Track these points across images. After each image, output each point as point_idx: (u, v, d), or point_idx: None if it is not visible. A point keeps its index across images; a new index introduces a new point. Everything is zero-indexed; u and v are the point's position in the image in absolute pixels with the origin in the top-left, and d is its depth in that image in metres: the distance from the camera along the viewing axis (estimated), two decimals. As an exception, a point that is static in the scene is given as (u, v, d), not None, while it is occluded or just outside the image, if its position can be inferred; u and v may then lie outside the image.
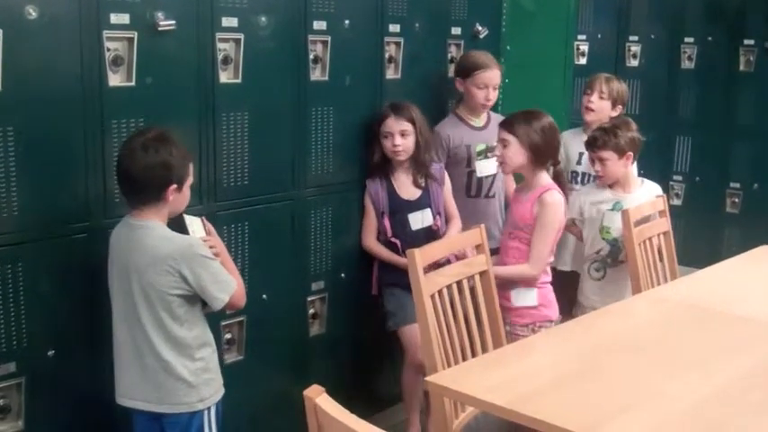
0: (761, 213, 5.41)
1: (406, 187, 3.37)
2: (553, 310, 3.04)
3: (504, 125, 3.04)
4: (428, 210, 3.37)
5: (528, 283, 3.00)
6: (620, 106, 3.72)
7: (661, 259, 3.41)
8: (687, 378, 2.22)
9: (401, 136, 3.29)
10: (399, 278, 3.29)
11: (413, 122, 3.31)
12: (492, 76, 3.56)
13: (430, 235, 3.28)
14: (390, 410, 3.56)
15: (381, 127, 3.31)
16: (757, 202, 5.51)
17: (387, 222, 3.34)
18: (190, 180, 2.47)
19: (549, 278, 3.07)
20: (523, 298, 3.01)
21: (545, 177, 3.03)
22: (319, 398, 1.47)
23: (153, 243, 2.36)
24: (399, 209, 3.35)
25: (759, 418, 2.01)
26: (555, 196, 2.97)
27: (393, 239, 3.34)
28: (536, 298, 3.00)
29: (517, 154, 3.00)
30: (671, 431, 1.92)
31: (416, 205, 3.36)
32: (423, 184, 3.36)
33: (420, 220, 3.36)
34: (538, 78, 4.18)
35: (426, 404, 3.38)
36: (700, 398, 2.10)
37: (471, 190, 3.63)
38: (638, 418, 1.97)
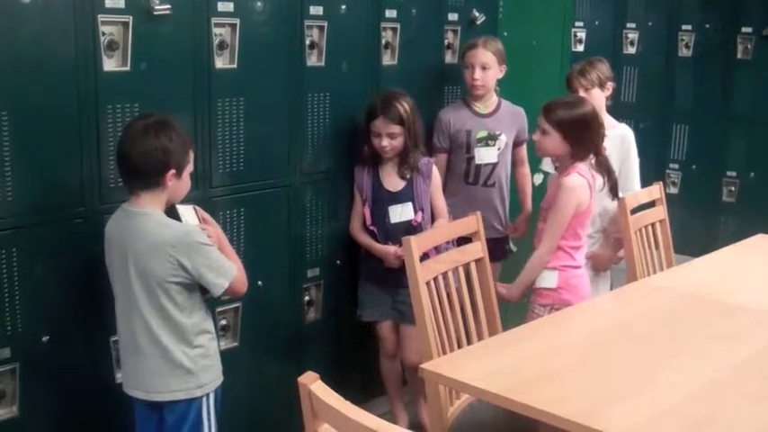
0: (757, 202, 5.41)
1: (391, 179, 3.34)
2: (576, 296, 2.98)
3: (546, 113, 3.00)
4: (409, 204, 3.33)
5: (549, 263, 2.99)
6: (609, 83, 3.67)
7: (657, 247, 3.41)
8: (683, 366, 2.22)
9: (389, 137, 3.24)
10: (375, 272, 3.33)
11: (402, 123, 3.23)
12: (476, 54, 3.51)
13: (409, 230, 3.21)
14: (385, 397, 3.56)
15: (370, 125, 3.26)
16: (754, 191, 5.51)
17: (367, 211, 3.33)
18: (190, 168, 2.46)
19: (577, 263, 3.01)
20: (543, 279, 3.00)
21: (578, 163, 2.99)
22: (314, 384, 1.46)
23: (151, 230, 2.35)
24: (381, 199, 3.32)
25: (754, 406, 2.02)
26: (574, 179, 2.93)
27: (371, 227, 3.33)
28: (556, 280, 2.98)
29: (556, 144, 2.98)
30: (666, 419, 1.92)
31: (398, 198, 3.32)
32: (408, 177, 3.33)
33: (399, 213, 3.32)
34: (534, 65, 4.17)
35: (422, 392, 3.39)
36: (695, 386, 2.10)
37: (469, 176, 3.61)
38: (634, 406, 1.97)
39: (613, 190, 3.14)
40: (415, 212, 3.33)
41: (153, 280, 2.35)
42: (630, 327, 2.55)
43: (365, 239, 3.34)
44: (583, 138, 2.97)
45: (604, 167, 3.08)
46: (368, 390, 3.53)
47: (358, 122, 3.36)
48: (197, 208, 2.56)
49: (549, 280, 2.99)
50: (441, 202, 3.42)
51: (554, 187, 3.02)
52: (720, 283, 2.96)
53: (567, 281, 2.99)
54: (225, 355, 2.88)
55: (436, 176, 3.40)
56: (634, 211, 3.30)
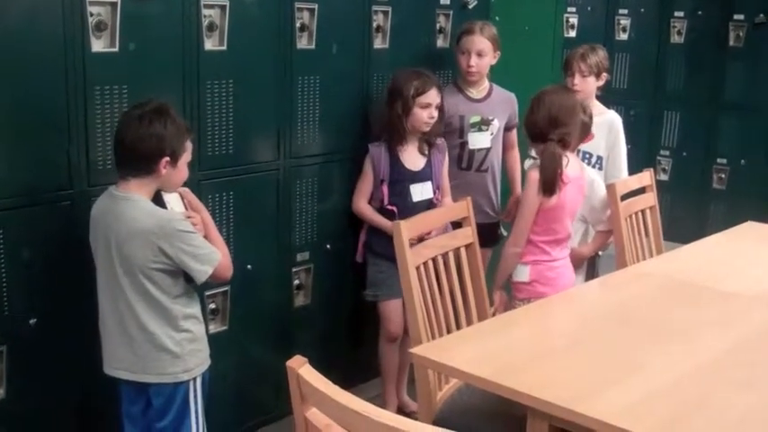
0: (747, 189, 5.43)
1: (411, 157, 3.34)
2: (553, 288, 2.96)
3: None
4: (429, 183, 3.35)
5: (522, 258, 2.99)
6: (604, 74, 3.67)
7: (647, 234, 3.41)
8: (671, 352, 2.22)
9: (436, 109, 3.29)
10: (388, 249, 3.27)
11: (441, 96, 3.32)
12: (472, 40, 3.49)
13: (430, 208, 3.23)
14: (376, 381, 3.56)
15: (421, 97, 3.24)
16: (744, 178, 5.53)
17: (385, 189, 3.31)
18: (188, 156, 2.44)
19: (552, 257, 3.00)
20: (517, 273, 3.00)
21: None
22: (302, 368, 1.45)
23: (133, 216, 2.34)
24: (401, 178, 3.32)
25: (741, 392, 2.02)
26: (536, 173, 2.92)
27: (389, 207, 3.30)
28: (528, 274, 2.98)
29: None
30: (653, 405, 1.92)
31: (419, 177, 3.33)
32: (426, 153, 3.35)
33: (420, 191, 3.33)
34: (526, 51, 4.15)
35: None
36: (683, 372, 2.11)
37: (463, 162, 3.60)
38: (621, 391, 1.97)
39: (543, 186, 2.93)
40: (434, 191, 3.35)
41: (135, 266, 2.33)
42: (619, 312, 2.55)
43: (375, 217, 3.32)
44: (529, 118, 2.94)
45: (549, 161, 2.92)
46: (357, 374, 3.52)
47: (349, 105, 3.35)
48: (187, 192, 2.54)
49: (521, 274, 2.99)
50: (447, 182, 3.45)
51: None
52: (709, 269, 2.96)
53: (541, 273, 2.98)
54: (214, 339, 2.87)
55: (446, 156, 3.44)
56: (625, 197, 3.30)
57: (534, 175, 2.91)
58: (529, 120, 2.96)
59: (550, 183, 2.88)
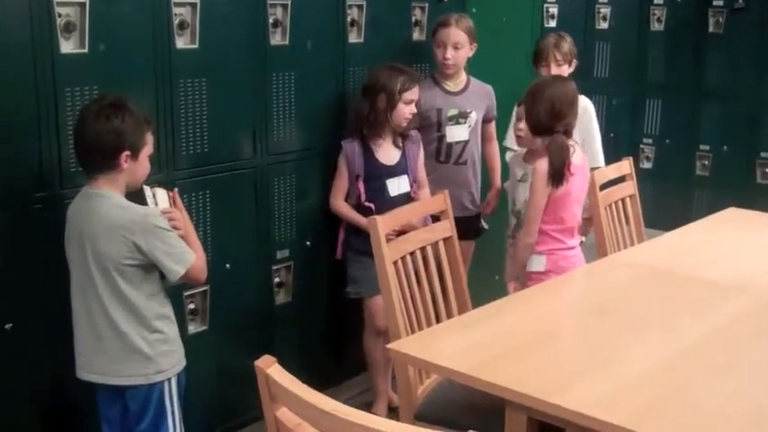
0: (730, 175, 5.43)
1: (386, 152, 3.32)
2: None
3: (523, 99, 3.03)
4: (405, 176, 3.34)
5: (537, 248, 2.99)
6: (574, 61, 3.69)
7: (627, 222, 3.40)
8: (651, 341, 2.22)
9: (416, 105, 3.30)
10: (368, 245, 3.26)
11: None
12: (448, 33, 3.48)
13: (409, 202, 3.22)
14: (359, 378, 3.55)
15: (406, 93, 3.24)
16: (727, 165, 5.52)
17: (361, 186, 3.29)
18: (148, 149, 2.42)
19: (567, 245, 2.99)
20: (532, 263, 3.00)
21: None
22: (270, 368, 1.44)
23: (107, 211, 2.32)
24: (377, 173, 3.30)
25: (721, 379, 2.02)
26: (543, 164, 2.92)
27: (367, 203, 3.29)
28: (544, 264, 2.98)
29: (525, 130, 3.04)
30: (631, 394, 1.92)
31: (395, 171, 3.32)
32: (401, 145, 3.33)
33: (397, 186, 3.32)
34: (505, 42, 4.13)
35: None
36: (663, 360, 2.10)
37: (441, 155, 3.59)
38: (599, 381, 1.97)
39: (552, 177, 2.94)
40: (410, 184, 3.34)
41: (109, 263, 2.32)
42: (598, 303, 2.55)
43: (352, 215, 3.30)
44: (532, 113, 2.95)
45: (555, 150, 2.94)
46: (341, 371, 3.52)
47: (325, 101, 3.33)
48: (175, 193, 2.52)
49: (537, 264, 2.99)
50: (423, 174, 3.43)
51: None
52: (690, 257, 2.96)
53: (556, 263, 2.97)
54: (194, 339, 2.87)
55: (421, 148, 3.43)
56: (605, 186, 3.29)
57: (542, 167, 2.90)
58: (532, 115, 2.96)
59: (559, 173, 2.91)
